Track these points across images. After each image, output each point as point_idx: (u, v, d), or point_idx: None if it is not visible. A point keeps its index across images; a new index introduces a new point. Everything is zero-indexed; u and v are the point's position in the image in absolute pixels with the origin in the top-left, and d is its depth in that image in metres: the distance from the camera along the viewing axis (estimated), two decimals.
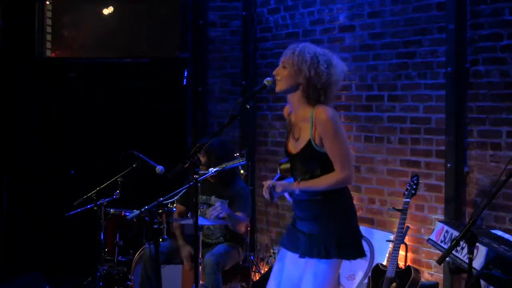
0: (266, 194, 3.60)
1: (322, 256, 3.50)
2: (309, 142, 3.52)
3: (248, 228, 5.30)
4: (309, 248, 3.55)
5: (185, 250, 4.99)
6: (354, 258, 3.60)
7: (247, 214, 5.05)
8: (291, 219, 3.79)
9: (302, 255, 3.59)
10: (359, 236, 3.64)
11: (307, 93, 3.53)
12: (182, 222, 4.97)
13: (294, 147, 3.62)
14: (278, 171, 3.72)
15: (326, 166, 3.52)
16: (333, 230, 3.53)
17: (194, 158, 3.73)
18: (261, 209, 6.43)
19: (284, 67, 3.57)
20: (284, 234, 3.79)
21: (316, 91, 3.52)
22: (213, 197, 5.11)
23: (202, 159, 5.01)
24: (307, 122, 3.54)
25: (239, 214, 4.96)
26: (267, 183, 3.61)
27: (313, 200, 3.56)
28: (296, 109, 3.62)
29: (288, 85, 3.56)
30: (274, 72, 3.62)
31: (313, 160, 3.54)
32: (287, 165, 3.67)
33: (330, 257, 3.50)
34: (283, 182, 3.65)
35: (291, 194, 3.67)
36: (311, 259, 3.55)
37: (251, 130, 6.52)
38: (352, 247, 3.57)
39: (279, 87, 3.60)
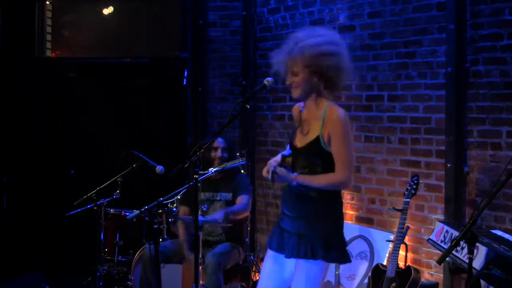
0: (267, 173, 3.59)
1: (309, 256, 3.51)
2: (317, 138, 3.54)
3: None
4: (296, 249, 3.55)
5: (189, 257, 5.00)
6: (339, 262, 3.61)
7: (249, 196, 5.18)
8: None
9: (288, 256, 3.59)
10: (345, 240, 3.66)
11: (321, 88, 3.56)
12: (187, 220, 4.98)
13: (301, 141, 3.64)
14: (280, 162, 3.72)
15: (327, 166, 3.53)
16: (321, 231, 3.54)
17: (194, 158, 3.73)
18: (261, 209, 6.43)
19: (296, 75, 3.57)
20: (271, 235, 3.79)
21: (327, 82, 3.55)
22: (217, 194, 5.19)
23: (225, 151, 5.17)
24: (318, 119, 3.56)
25: (239, 200, 5.12)
26: (270, 164, 3.61)
27: (307, 196, 3.56)
28: (311, 107, 3.63)
29: (304, 90, 3.58)
30: (287, 82, 3.62)
31: (316, 157, 3.56)
32: (290, 158, 3.68)
33: (316, 258, 3.51)
34: (284, 170, 3.63)
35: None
36: (298, 259, 3.56)
37: (251, 130, 6.52)
38: (338, 250, 3.58)
39: (296, 94, 3.62)
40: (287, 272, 3.67)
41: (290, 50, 3.57)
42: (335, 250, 3.55)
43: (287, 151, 3.73)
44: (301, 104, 3.74)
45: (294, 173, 3.60)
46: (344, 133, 3.51)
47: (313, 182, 3.55)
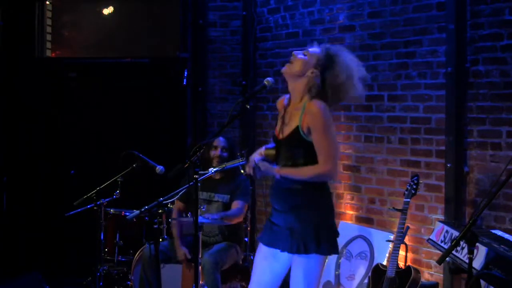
0: (249, 169, 3.63)
1: (302, 252, 3.53)
2: (297, 128, 3.55)
3: (248, 211, 5.42)
4: (289, 243, 3.57)
5: (181, 252, 5.00)
6: (331, 254, 3.62)
7: (245, 201, 5.14)
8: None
9: (282, 250, 3.61)
10: (336, 232, 3.67)
11: (316, 89, 3.57)
12: (183, 220, 4.98)
13: (282, 132, 3.66)
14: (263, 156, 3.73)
15: (310, 157, 3.54)
16: (311, 225, 3.55)
17: (194, 158, 3.73)
18: (261, 209, 6.42)
19: (305, 55, 3.60)
20: (263, 229, 3.81)
21: (324, 90, 3.58)
22: (214, 195, 5.15)
23: (225, 151, 5.15)
24: (298, 110, 3.58)
25: (234, 204, 5.06)
26: (253, 160, 3.63)
27: (293, 189, 3.57)
28: (295, 97, 3.65)
29: (298, 71, 3.59)
30: (294, 53, 3.63)
31: (297, 147, 3.57)
32: (272, 151, 3.69)
33: (309, 252, 3.52)
34: (267, 163, 3.64)
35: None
36: (294, 255, 3.57)
37: (251, 130, 6.51)
38: (329, 242, 3.59)
39: (289, 70, 3.62)
40: (279, 265, 3.68)
41: (322, 45, 3.64)
42: (326, 242, 3.57)
43: (270, 144, 3.74)
44: (286, 96, 3.76)
45: (277, 166, 3.61)
46: (325, 126, 3.52)
47: (296, 175, 3.56)
